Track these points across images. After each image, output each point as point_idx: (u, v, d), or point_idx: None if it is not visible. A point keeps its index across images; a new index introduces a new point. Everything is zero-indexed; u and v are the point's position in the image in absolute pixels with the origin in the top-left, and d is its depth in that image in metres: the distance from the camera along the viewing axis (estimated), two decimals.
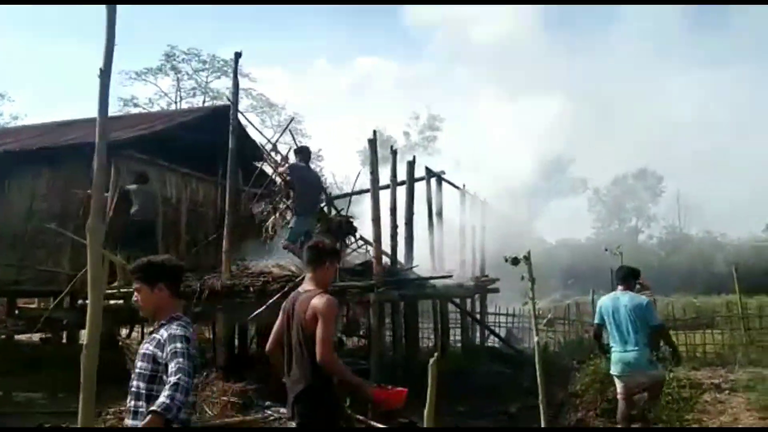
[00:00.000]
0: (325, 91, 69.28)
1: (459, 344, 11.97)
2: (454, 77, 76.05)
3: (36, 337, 11.28)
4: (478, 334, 12.65)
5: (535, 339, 5.77)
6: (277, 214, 9.04)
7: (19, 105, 56.95)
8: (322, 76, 68.16)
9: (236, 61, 8.31)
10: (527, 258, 5.74)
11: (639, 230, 52.54)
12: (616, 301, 6.05)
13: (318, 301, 3.51)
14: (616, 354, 5.94)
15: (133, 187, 9.14)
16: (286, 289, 7.26)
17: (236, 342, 10.27)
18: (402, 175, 8.86)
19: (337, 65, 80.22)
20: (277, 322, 3.82)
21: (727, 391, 8.72)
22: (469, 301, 13.04)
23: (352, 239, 9.00)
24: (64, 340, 11.54)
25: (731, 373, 10.04)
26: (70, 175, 9.65)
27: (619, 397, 6.08)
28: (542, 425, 5.45)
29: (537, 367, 5.51)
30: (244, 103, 38.22)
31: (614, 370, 6.03)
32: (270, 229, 8.82)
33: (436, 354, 3.57)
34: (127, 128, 10.88)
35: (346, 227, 8.86)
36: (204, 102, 36.58)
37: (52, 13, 56.82)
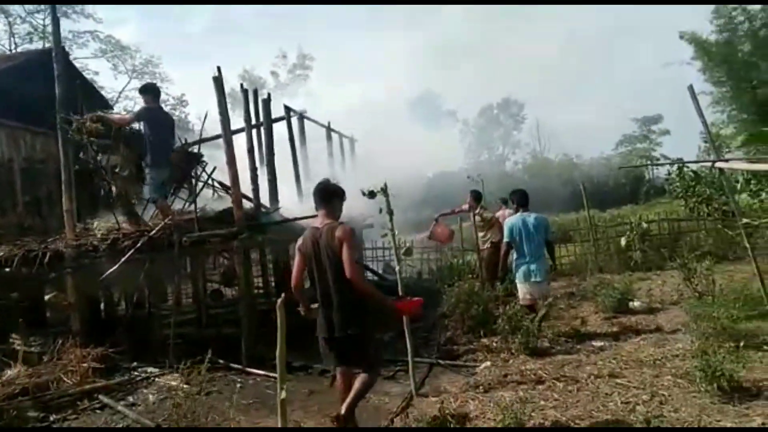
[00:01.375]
0: (183, 32, 64.45)
1: None
2: (321, 14, 73.76)
3: None
4: None
5: (396, 268, 5.94)
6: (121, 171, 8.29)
7: None
8: (180, 17, 63.16)
9: None
10: (384, 190, 5.81)
11: (506, 158, 55.64)
12: (523, 219, 7.10)
13: (340, 231, 4.28)
14: (526, 265, 7.04)
15: None
16: (139, 244, 6.84)
17: (102, 306, 9.61)
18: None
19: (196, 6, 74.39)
20: (297, 261, 4.52)
21: (578, 297, 9.64)
22: None
23: (201, 170, 8.34)
24: None
25: (583, 281, 11.10)
26: None
27: (523, 302, 7.08)
28: (408, 348, 5.72)
29: (399, 291, 5.70)
30: (91, 47, 34.57)
31: (523, 278, 7.06)
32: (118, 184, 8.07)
33: (282, 295, 3.48)
34: None
35: (190, 158, 8.27)
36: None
37: None
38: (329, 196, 4.55)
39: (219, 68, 7.03)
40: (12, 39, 33.36)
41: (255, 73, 44.90)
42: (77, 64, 33.82)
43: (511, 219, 7.36)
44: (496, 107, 53.63)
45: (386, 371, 6.51)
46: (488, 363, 6.39)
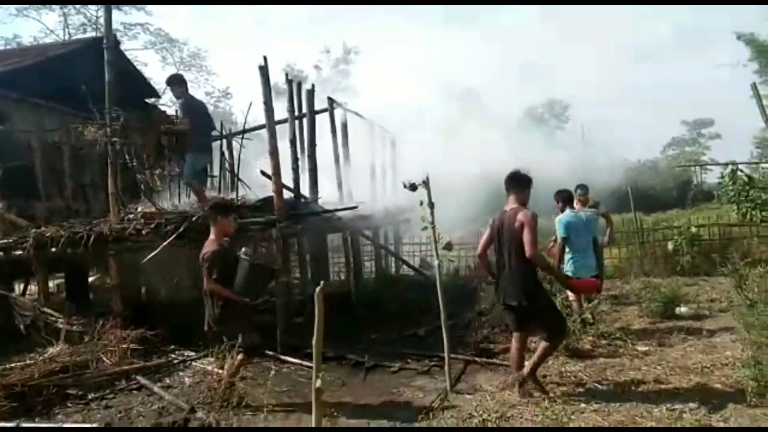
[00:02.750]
0: (230, 26, 65.51)
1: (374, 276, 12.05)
2: (368, 10, 73.85)
3: None
4: (393, 265, 12.77)
5: (435, 263, 5.83)
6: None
7: None
8: (227, 10, 64.18)
9: None
10: (426, 183, 5.71)
11: (550, 158, 54.51)
12: (577, 216, 7.35)
13: (521, 215, 4.87)
14: (580, 261, 7.15)
15: None
16: (181, 229, 6.91)
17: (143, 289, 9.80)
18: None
19: None
20: (485, 235, 5.32)
21: (623, 301, 9.35)
22: (383, 232, 13.09)
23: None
24: None
25: (627, 284, 10.78)
26: None
27: (572, 297, 7.08)
28: (445, 343, 5.61)
29: (438, 289, 5.61)
30: (141, 39, 35.38)
31: (578, 274, 7.02)
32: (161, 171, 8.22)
33: (322, 283, 3.43)
34: None
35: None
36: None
37: None
38: (518, 183, 5.15)
39: (265, 58, 7.04)
40: (66, 30, 34.48)
41: (297, 68, 45.18)
42: (127, 55, 34.98)
43: (563, 216, 7.32)
44: (541, 107, 52.65)
45: (420, 366, 6.43)
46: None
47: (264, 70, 6.90)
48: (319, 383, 3.38)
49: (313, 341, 3.50)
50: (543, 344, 5.09)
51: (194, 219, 6.86)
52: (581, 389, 5.30)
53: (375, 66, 54.07)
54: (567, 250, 7.23)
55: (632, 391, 5.14)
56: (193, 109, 7.75)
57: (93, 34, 34.59)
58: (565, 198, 7.43)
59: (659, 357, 6.14)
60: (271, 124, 6.90)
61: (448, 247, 5.73)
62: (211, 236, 5.28)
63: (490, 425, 4.41)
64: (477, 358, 6.50)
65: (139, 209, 7.89)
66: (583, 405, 4.84)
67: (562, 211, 7.36)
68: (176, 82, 7.91)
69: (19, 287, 9.88)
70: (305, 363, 6.30)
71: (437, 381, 5.91)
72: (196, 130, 7.67)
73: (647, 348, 6.55)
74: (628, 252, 13.30)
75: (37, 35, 33.72)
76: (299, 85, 9.46)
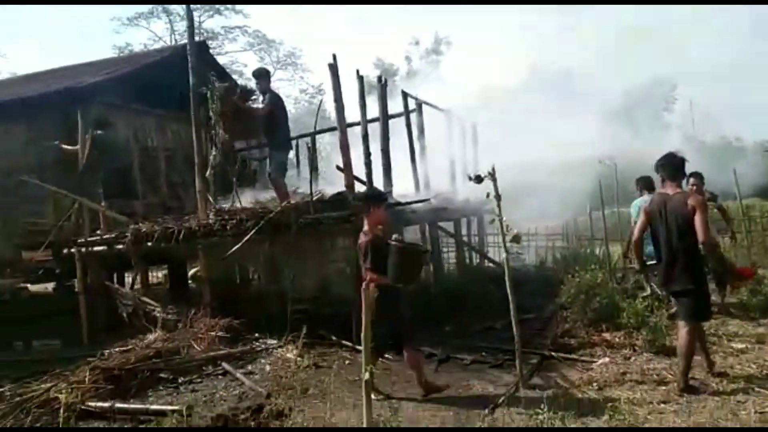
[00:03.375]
0: (323, 22, 67.00)
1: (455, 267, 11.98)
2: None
3: (50, 287, 11.45)
4: (476, 256, 12.62)
5: (503, 256, 5.70)
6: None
7: (12, 62, 55.90)
8: (320, 9, 65.65)
9: None
10: (492, 175, 5.58)
11: (655, 141, 51.29)
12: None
13: (692, 200, 4.90)
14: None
15: (94, 133, 8.96)
16: (260, 224, 7.23)
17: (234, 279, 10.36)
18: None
19: None
20: (641, 220, 5.31)
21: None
22: (466, 222, 12.95)
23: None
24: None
25: None
26: (42, 126, 9.53)
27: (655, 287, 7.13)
28: (516, 336, 5.48)
29: (507, 282, 5.48)
30: (240, 42, 37.32)
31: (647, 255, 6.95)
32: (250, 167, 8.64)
33: (368, 277, 3.46)
34: (97, 75, 10.59)
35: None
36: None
37: None
38: (676, 167, 5.20)
39: (334, 56, 7.19)
40: (173, 36, 36.98)
41: (387, 61, 45.51)
42: (228, 58, 36.96)
43: (638, 199, 7.62)
44: (644, 87, 49.52)
45: (494, 359, 6.34)
46: (606, 359, 5.98)
47: (333, 68, 7.05)
48: (367, 375, 3.43)
49: (362, 334, 3.55)
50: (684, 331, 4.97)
51: (271, 215, 7.15)
52: (663, 387, 5.00)
53: (466, 54, 53.09)
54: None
55: (720, 391, 4.78)
56: (280, 103, 8.06)
57: (197, 38, 36.84)
58: (645, 184, 7.64)
59: (756, 355, 5.67)
60: (342, 120, 7.04)
61: (516, 239, 5.57)
62: (365, 227, 5.41)
63: (555, 424, 4.27)
64: (554, 353, 6.31)
65: (226, 206, 8.34)
66: (662, 405, 4.58)
67: (641, 195, 7.65)
68: (263, 75, 8.28)
69: (123, 279, 10.74)
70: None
71: (510, 375, 5.79)
72: (279, 126, 7.98)
73: (744, 345, 6.07)
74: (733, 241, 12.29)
75: (146, 42, 36.48)
76: (380, 79, 9.56)
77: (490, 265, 11.49)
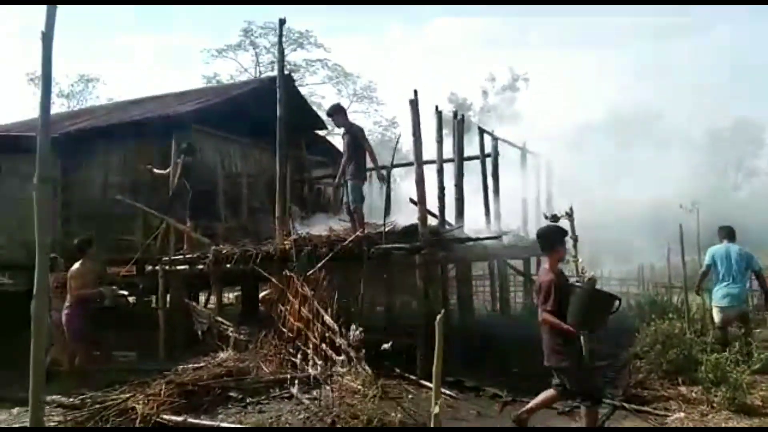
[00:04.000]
0: (400, 57, 68.45)
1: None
2: (536, 30, 72.55)
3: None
4: None
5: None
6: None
7: (113, 88, 60.25)
8: (398, 42, 67.17)
9: (280, 27, 8.43)
10: (570, 214, 5.53)
11: (739, 186, 48.67)
12: (727, 249, 7.87)
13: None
14: (724, 289, 7.69)
15: (184, 159, 9.55)
16: (334, 251, 7.43)
17: None
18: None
19: (413, 28, 78.57)
20: None
21: None
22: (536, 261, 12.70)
23: None
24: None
25: None
26: (138, 149, 10.27)
27: (717, 326, 7.75)
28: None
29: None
30: (320, 75, 38.70)
31: (719, 302, 7.74)
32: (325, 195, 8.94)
33: (442, 311, 3.51)
34: (188, 103, 11.34)
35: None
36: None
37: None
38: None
39: (416, 92, 7.39)
40: (257, 68, 38.81)
41: (462, 95, 45.80)
42: (307, 90, 38.43)
43: (714, 247, 8.06)
44: (729, 129, 47.25)
45: (562, 406, 6.17)
46: (681, 414, 5.70)
47: (414, 104, 7.24)
48: (437, 409, 3.44)
49: (433, 368, 3.58)
50: None
51: (345, 243, 7.35)
52: None
53: (543, 91, 52.68)
54: (713, 278, 7.96)
55: None
56: (358, 134, 8.33)
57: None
58: (726, 233, 8.08)
59: None
60: (418, 154, 7.20)
61: (592, 282, 5.45)
62: (545, 264, 5.33)
63: None
64: (626, 404, 6.07)
65: (304, 232, 8.61)
66: None
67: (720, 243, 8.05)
68: (337, 112, 8.57)
69: (198, 298, 11.20)
70: (444, 391, 6.36)
71: (577, 423, 5.61)
72: (361, 158, 8.23)
73: None
74: None
75: (233, 73, 38.47)
76: (455, 114, 9.71)
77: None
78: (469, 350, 7.67)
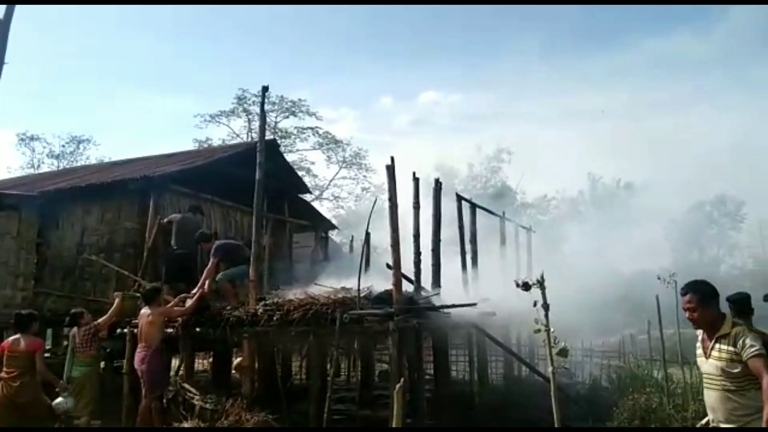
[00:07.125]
0: (389, 127, 70.44)
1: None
2: (519, 107, 75.32)
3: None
4: (524, 368, 12.09)
5: (549, 369, 5.46)
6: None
7: (104, 148, 60.75)
8: (387, 114, 69.35)
9: (263, 94, 8.61)
10: (541, 282, 5.49)
11: (721, 260, 49.22)
12: None
13: None
14: None
15: (177, 216, 9.52)
16: (307, 316, 7.29)
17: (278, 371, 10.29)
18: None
19: (402, 101, 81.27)
20: None
21: None
22: (517, 331, 12.55)
23: None
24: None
25: None
26: (117, 209, 10.23)
27: None
28: None
29: (552, 396, 5.20)
30: (310, 141, 39.44)
31: None
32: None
33: (402, 380, 3.42)
34: (172, 164, 11.41)
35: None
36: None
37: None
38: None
39: (392, 158, 7.50)
40: (249, 134, 39.42)
41: (448, 164, 46.60)
42: (297, 155, 39.01)
43: None
44: (709, 204, 48.26)
45: None
46: None
47: (390, 170, 7.34)
48: None
49: None
50: None
51: (316, 308, 7.24)
52: None
53: (527, 162, 53.99)
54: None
55: None
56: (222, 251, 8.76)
57: (271, 137, 39.20)
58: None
59: None
60: (394, 219, 7.22)
61: (563, 353, 5.32)
62: None
63: None
64: None
65: (278, 297, 8.47)
66: None
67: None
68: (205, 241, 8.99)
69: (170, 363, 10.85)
70: None
71: None
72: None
73: None
74: None
75: (224, 137, 39.09)
76: (436, 181, 9.83)
77: (540, 378, 10.97)
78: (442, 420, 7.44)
